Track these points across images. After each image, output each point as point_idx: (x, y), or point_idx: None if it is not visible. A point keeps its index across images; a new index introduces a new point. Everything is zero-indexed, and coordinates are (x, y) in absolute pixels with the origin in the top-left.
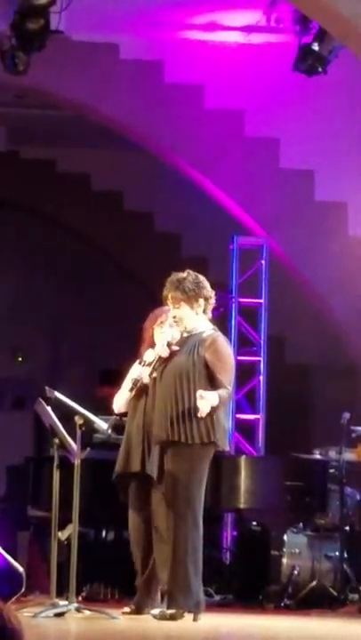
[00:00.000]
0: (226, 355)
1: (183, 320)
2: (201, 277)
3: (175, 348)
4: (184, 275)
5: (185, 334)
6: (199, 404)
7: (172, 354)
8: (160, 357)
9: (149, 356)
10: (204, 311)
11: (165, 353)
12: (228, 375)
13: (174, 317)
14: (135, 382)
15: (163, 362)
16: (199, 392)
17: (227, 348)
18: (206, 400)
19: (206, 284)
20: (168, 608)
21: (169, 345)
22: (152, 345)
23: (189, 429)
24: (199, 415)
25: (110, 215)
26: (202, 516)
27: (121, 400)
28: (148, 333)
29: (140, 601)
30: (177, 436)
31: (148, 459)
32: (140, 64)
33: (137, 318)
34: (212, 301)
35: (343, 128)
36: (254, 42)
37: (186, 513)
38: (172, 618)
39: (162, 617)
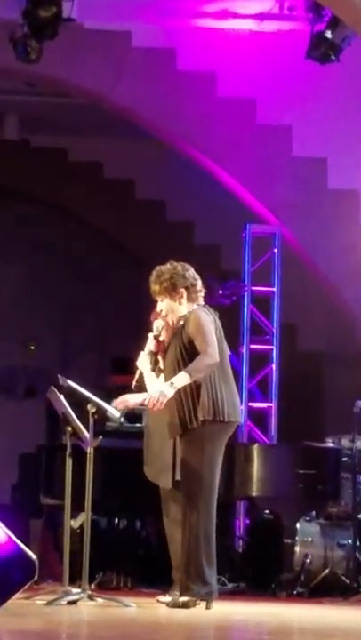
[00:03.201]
0: (199, 324)
1: (169, 312)
2: (180, 267)
3: (161, 338)
4: (163, 267)
5: (179, 325)
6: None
7: (165, 347)
8: (152, 351)
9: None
10: (192, 299)
11: (152, 346)
12: (204, 343)
13: (160, 310)
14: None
15: (159, 355)
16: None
17: (200, 318)
18: (156, 395)
19: (187, 272)
20: (181, 596)
21: (156, 338)
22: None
23: (187, 413)
24: (154, 404)
25: (122, 204)
26: (215, 503)
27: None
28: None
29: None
30: (182, 424)
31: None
32: (152, 52)
33: (149, 307)
34: (198, 288)
35: (356, 116)
36: (267, 30)
37: (200, 501)
38: (185, 606)
39: (175, 605)
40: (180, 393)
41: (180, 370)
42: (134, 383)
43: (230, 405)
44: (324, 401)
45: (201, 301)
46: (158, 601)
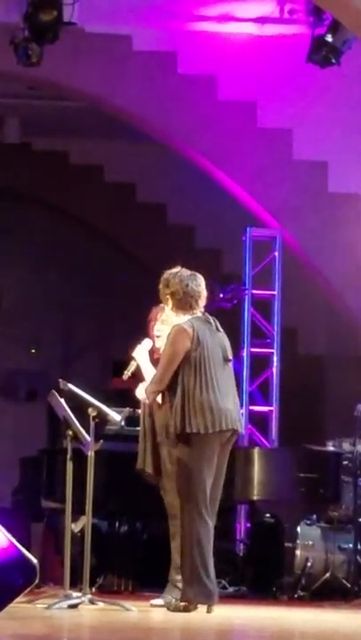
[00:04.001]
0: (168, 344)
1: (167, 317)
2: (174, 273)
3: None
4: (166, 273)
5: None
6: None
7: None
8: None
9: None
10: (182, 307)
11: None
12: (160, 367)
13: (158, 313)
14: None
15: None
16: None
17: (173, 338)
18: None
19: (176, 279)
20: (180, 600)
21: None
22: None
23: (173, 423)
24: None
25: (123, 207)
26: (206, 506)
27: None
28: (150, 327)
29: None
30: (170, 432)
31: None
32: (153, 55)
33: (150, 310)
34: (182, 296)
35: (357, 119)
36: (268, 33)
37: (189, 505)
38: (186, 609)
39: (175, 608)
40: (169, 403)
41: (176, 378)
42: (127, 374)
43: (216, 416)
44: (324, 404)
45: (197, 311)
46: (152, 605)
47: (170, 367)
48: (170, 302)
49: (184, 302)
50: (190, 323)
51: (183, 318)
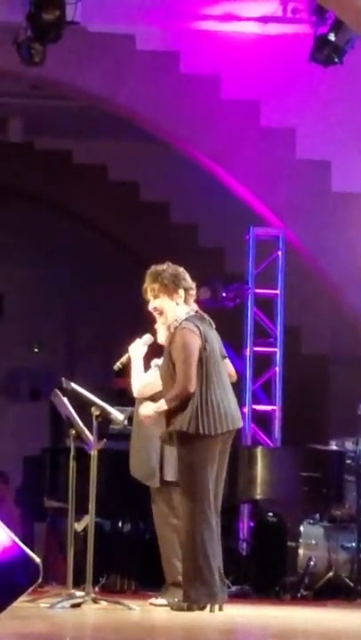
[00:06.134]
0: (182, 348)
1: (164, 311)
2: (180, 269)
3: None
4: (163, 266)
5: (171, 329)
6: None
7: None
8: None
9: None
10: (188, 303)
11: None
12: (181, 372)
13: (155, 309)
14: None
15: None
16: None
17: (184, 341)
18: (143, 409)
19: (186, 275)
20: (183, 601)
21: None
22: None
23: (178, 426)
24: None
25: (126, 206)
26: (210, 506)
27: (139, 384)
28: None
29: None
30: (174, 435)
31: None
32: (155, 54)
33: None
34: (193, 292)
35: (360, 118)
36: (271, 32)
37: (192, 505)
38: (189, 609)
39: (178, 608)
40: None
41: (173, 384)
42: (118, 364)
43: (223, 416)
44: (327, 403)
45: (194, 306)
46: (151, 604)
47: (191, 369)
48: (182, 295)
49: (190, 297)
50: (193, 322)
51: (182, 310)
